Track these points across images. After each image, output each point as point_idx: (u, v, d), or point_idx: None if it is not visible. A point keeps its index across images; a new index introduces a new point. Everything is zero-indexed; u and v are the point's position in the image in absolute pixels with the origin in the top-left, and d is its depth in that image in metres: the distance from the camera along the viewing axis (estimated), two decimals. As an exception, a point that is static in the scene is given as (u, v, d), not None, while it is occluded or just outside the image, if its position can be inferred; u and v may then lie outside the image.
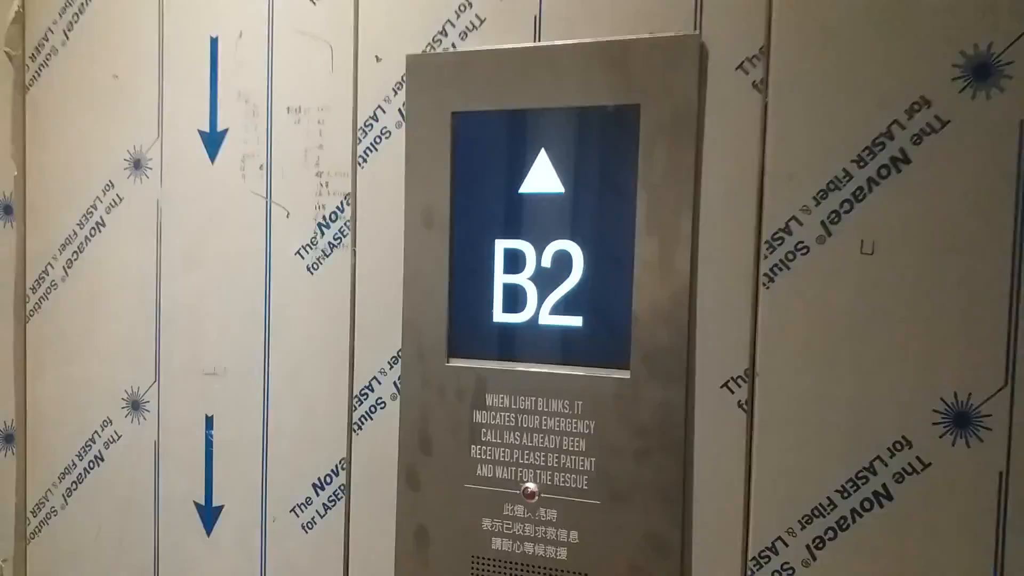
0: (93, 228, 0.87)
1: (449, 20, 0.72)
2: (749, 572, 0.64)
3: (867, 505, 0.61)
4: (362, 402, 0.76)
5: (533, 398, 0.69)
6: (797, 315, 0.62)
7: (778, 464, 0.63)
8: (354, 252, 0.76)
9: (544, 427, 0.69)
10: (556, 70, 0.67)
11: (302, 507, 0.79)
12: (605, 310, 0.67)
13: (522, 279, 0.69)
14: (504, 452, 0.70)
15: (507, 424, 0.70)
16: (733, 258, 0.64)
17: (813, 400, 0.62)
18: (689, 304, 0.64)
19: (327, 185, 0.77)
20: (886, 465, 0.60)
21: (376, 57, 0.74)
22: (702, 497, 0.65)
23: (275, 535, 0.81)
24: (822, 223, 0.61)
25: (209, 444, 0.83)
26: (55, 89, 0.88)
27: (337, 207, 0.76)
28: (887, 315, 0.60)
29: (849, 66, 0.60)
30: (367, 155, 0.75)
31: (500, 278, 0.70)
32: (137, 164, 0.84)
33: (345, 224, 0.76)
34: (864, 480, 0.61)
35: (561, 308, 0.68)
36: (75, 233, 0.88)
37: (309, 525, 0.79)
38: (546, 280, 0.69)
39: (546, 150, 0.68)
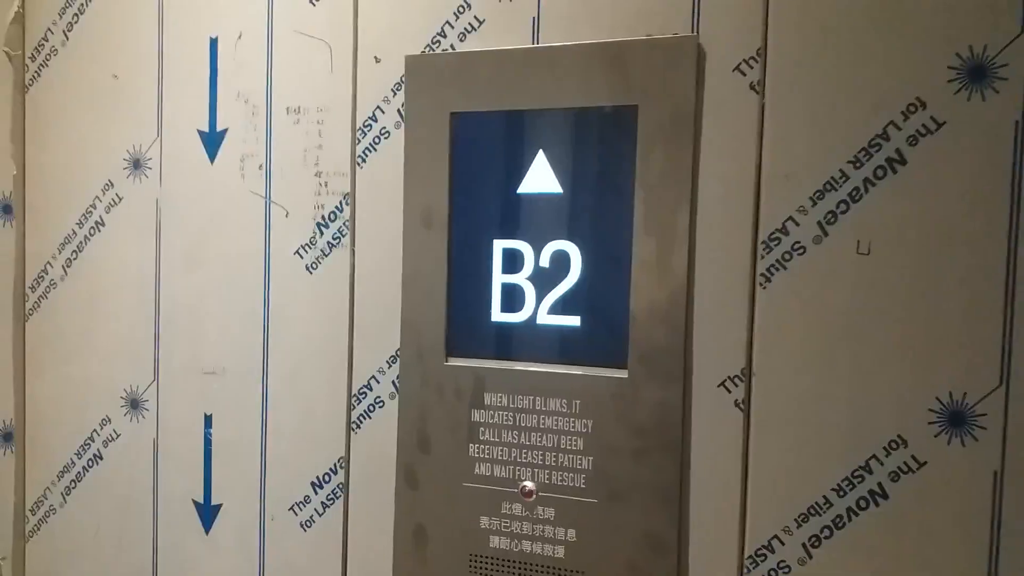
0: (92, 228, 0.87)
1: (448, 21, 0.72)
2: (746, 570, 0.65)
3: (863, 504, 0.61)
4: (361, 401, 0.76)
5: (531, 397, 0.69)
6: (794, 315, 0.63)
7: (775, 463, 0.64)
8: (353, 252, 0.76)
9: (542, 426, 0.69)
10: (554, 71, 0.67)
11: (301, 506, 0.79)
12: (603, 310, 0.67)
13: (520, 279, 0.70)
14: (502, 451, 0.70)
15: (505, 423, 0.70)
16: (730, 258, 0.64)
17: (809, 399, 0.62)
18: (686, 304, 0.65)
19: (326, 185, 0.77)
20: (882, 464, 0.61)
21: (375, 58, 0.75)
22: (699, 496, 0.65)
23: (274, 534, 0.81)
24: (819, 223, 0.62)
25: (208, 443, 0.83)
26: (55, 89, 0.88)
27: (336, 207, 0.77)
28: (883, 315, 0.60)
29: (845, 68, 0.61)
30: (366, 155, 0.75)
31: (498, 278, 0.70)
32: (137, 164, 0.85)
33: (344, 224, 0.76)
34: (860, 479, 0.61)
35: (559, 308, 0.69)
36: (74, 232, 0.88)
37: (308, 524, 0.79)
38: (544, 280, 0.69)
39: (544, 150, 0.68)
